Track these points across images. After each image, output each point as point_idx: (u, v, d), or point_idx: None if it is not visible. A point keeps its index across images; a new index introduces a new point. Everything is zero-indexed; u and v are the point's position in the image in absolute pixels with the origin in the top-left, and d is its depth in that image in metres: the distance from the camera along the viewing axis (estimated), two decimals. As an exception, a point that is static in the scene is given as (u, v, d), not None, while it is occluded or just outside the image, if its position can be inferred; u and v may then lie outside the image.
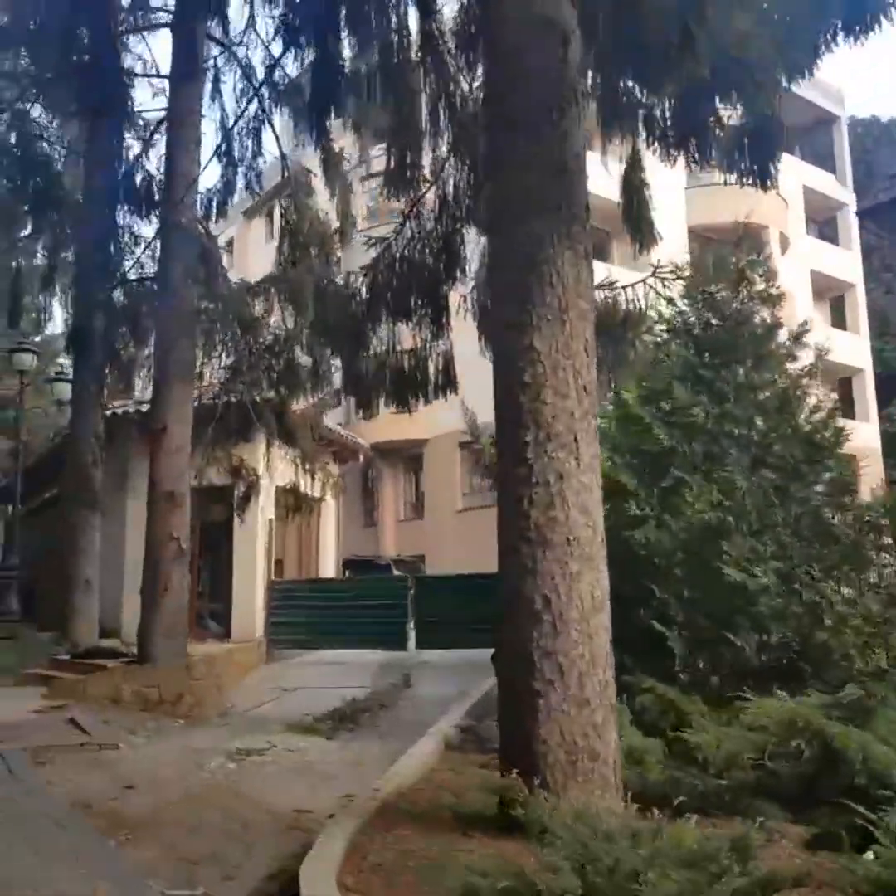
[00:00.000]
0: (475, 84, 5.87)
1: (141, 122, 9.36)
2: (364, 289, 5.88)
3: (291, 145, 9.30)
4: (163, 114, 8.95)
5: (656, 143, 4.39)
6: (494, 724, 5.73)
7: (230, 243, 24.61)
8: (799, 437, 5.68)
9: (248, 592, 10.35)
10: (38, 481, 12.75)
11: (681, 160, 4.41)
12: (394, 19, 5.57)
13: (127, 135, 9.23)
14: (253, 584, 10.33)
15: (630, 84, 4.11)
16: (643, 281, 5.69)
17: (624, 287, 5.51)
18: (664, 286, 5.62)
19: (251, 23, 8.25)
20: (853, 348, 23.12)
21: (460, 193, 5.74)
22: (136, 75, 9.28)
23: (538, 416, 3.44)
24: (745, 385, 5.94)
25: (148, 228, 10.23)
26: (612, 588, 3.64)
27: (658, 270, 5.61)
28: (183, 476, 7.77)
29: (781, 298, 6.23)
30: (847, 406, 20.78)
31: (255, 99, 8.66)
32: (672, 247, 7.11)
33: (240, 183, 9.54)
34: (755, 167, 4.50)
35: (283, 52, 7.26)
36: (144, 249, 9.46)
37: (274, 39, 7.60)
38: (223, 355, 8.83)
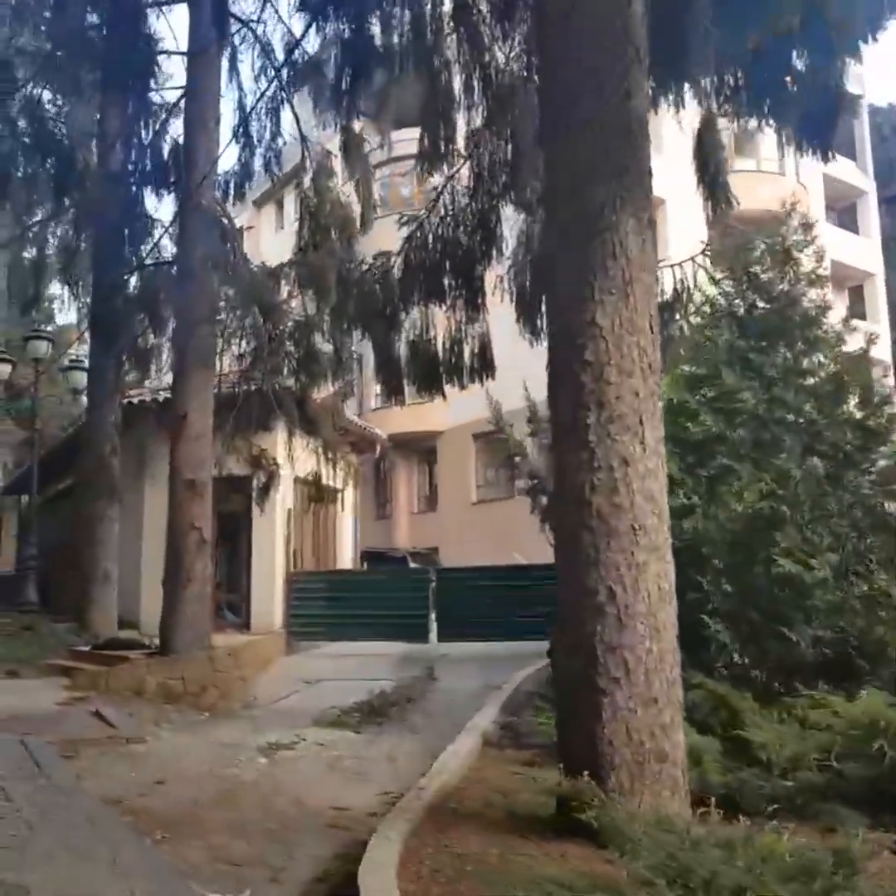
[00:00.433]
0: (511, 54, 5.63)
1: (159, 99, 9.11)
2: (396, 269, 5.65)
3: (312, 126, 9.06)
4: (180, 93, 8.70)
5: (728, 103, 4.13)
6: (532, 719, 5.61)
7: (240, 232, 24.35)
8: (851, 423, 5.45)
9: (267, 583, 10.22)
10: (52, 471, 12.63)
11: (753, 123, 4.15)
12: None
13: (151, 105, 8.95)
14: (272, 575, 10.19)
15: (704, 33, 3.80)
16: (692, 259, 5.45)
17: (671, 265, 5.27)
18: (713, 266, 5.37)
19: (271, -3, 8.01)
20: (873, 339, 22.72)
21: (497, 169, 5.50)
22: (158, 53, 9.01)
23: (601, 397, 3.23)
24: (793, 369, 5.70)
25: (165, 213, 9.99)
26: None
27: (707, 249, 5.36)
28: (204, 464, 7.60)
29: (827, 279, 5.98)
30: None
31: (276, 77, 8.42)
32: (694, 236, 6.85)
33: (258, 165, 9.33)
34: (817, 137, 4.25)
35: (308, 26, 7.03)
36: (163, 233, 9.25)
37: (297, 12, 7.34)
38: (243, 342, 8.63)
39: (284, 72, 8.73)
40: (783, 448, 5.22)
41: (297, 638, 9.81)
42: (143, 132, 8.90)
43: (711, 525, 5.09)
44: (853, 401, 5.62)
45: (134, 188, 9.05)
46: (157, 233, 9.36)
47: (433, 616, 9.68)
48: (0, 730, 5.30)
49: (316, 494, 10.06)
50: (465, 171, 5.74)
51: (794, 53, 3.83)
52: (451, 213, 5.65)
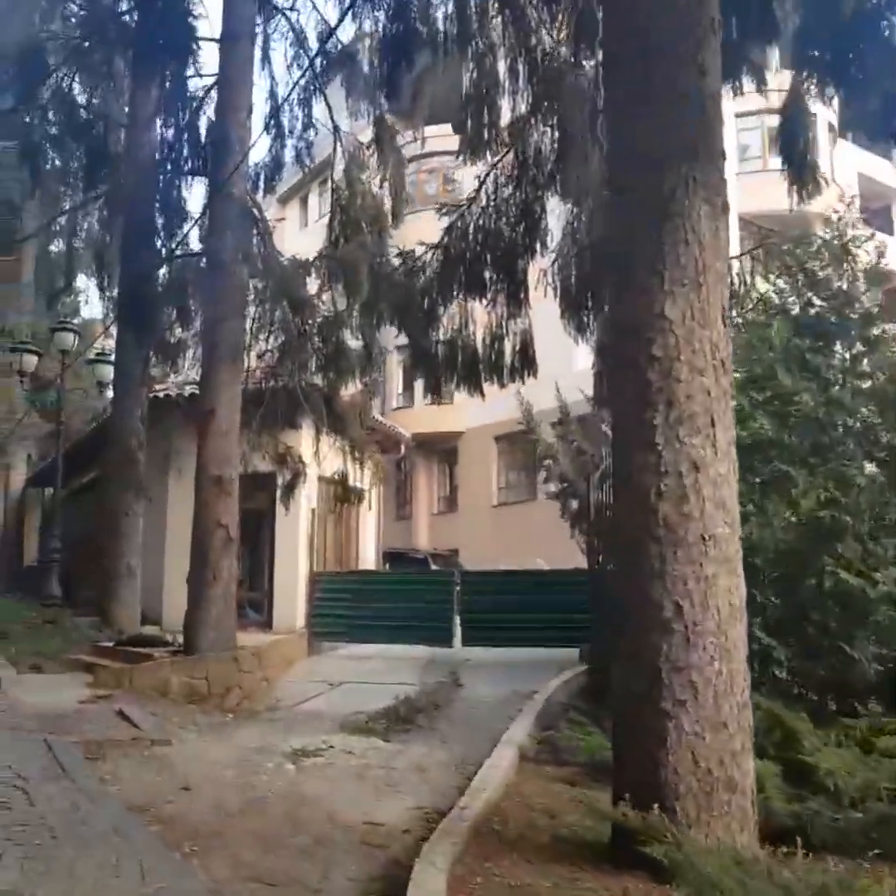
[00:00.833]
0: (560, 36, 5.39)
1: (191, 87, 8.98)
2: (435, 261, 5.44)
3: (344, 116, 8.89)
4: (211, 80, 8.56)
5: (813, 75, 3.84)
6: (570, 733, 5.38)
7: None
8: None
9: (289, 583, 10.07)
10: (77, 464, 12.61)
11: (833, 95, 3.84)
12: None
13: (186, 91, 8.80)
14: (295, 575, 10.04)
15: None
16: (749, 253, 5.17)
17: (728, 259, 4.98)
18: (771, 260, 5.09)
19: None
20: (909, 343, 22.10)
21: (543, 157, 5.27)
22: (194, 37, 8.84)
23: (671, 395, 2.99)
24: (850, 371, 5.40)
25: (194, 204, 9.90)
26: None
27: (766, 242, 5.08)
28: (231, 460, 7.45)
29: (890, 276, 5.67)
30: None
31: (309, 67, 8.26)
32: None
33: (288, 157, 9.19)
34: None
35: (345, 13, 6.86)
36: (193, 225, 9.12)
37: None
38: (271, 336, 8.48)
39: (318, 61, 8.59)
40: (842, 454, 4.93)
41: (318, 638, 9.64)
42: (176, 119, 8.77)
43: (766, 533, 4.82)
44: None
45: (164, 177, 8.95)
46: (186, 224, 9.23)
47: (457, 620, 9.46)
48: (24, 728, 5.20)
49: (342, 494, 9.87)
50: (508, 160, 5.52)
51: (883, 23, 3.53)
52: (493, 203, 5.43)
